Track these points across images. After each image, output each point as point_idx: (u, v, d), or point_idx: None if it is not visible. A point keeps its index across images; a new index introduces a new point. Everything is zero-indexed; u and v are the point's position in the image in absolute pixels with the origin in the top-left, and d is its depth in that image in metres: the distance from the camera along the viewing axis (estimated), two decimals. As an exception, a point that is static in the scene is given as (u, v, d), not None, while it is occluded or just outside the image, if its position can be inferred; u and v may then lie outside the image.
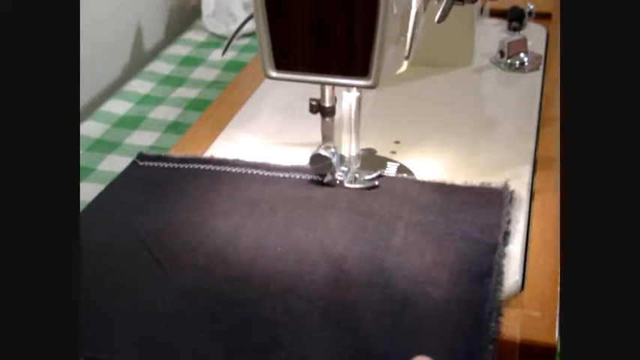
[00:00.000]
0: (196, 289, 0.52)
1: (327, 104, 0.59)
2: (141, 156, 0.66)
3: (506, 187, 0.60)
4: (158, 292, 0.51)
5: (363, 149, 0.64)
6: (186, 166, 0.64)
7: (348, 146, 0.61)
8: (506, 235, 0.56)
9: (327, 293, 0.51)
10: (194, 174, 0.64)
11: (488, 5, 0.90)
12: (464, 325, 0.48)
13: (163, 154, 0.67)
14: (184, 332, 0.49)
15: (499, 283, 0.51)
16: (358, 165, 0.62)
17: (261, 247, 0.55)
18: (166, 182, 0.63)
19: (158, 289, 0.52)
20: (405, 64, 0.58)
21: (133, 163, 0.66)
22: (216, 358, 0.47)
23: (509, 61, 0.81)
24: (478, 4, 0.77)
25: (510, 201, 0.59)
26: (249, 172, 0.63)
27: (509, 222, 0.57)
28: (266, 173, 0.63)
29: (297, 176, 0.63)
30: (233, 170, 0.64)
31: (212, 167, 0.64)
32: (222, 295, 0.51)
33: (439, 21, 0.61)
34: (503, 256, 0.53)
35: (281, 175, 0.63)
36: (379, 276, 0.52)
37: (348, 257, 0.54)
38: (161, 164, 0.65)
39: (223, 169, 0.64)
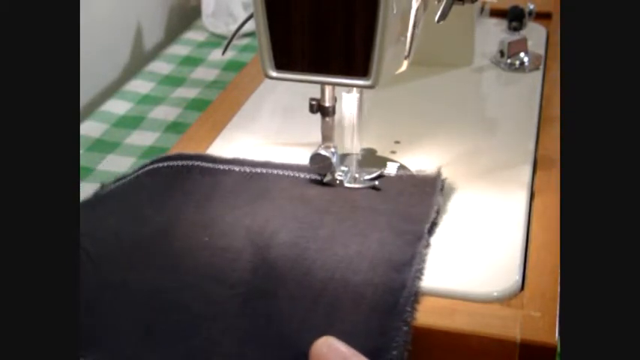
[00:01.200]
0: (122, 279, 0.52)
1: (327, 104, 0.59)
2: (103, 185, 0.66)
3: (438, 175, 0.61)
4: (85, 283, 0.52)
5: (363, 149, 0.64)
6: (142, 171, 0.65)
7: (348, 146, 0.61)
8: (434, 225, 0.56)
9: (248, 280, 0.51)
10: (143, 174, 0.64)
11: (488, 5, 0.90)
12: (379, 309, 0.49)
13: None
14: (105, 321, 0.49)
15: (419, 271, 0.52)
16: (358, 165, 0.62)
17: (190, 237, 0.56)
18: (114, 188, 0.64)
19: (85, 279, 0.52)
20: (405, 64, 0.58)
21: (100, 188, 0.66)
22: (133, 344, 0.48)
23: (509, 61, 0.81)
24: (478, 4, 0.77)
25: (442, 189, 0.60)
26: (190, 164, 0.64)
27: (437, 212, 0.58)
28: (203, 164, 0.64)
29: (237, 169, 0.63)
30: (174, 164, 0.64)
31: (157, 165, 0.65)
32: (145, 284, 0.52)
33: (439, 21, 0.61)
34: (427, 245, 0.54)
35: (221, 167, 0.64)
36: (301, 263, 0.52)
37: (272, 245, 0.54)
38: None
39: (167, 165, 0.65)
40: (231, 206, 0.59)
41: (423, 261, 0.53)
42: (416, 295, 0.50)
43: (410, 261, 0.52)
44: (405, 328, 0.48)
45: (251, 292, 0.51)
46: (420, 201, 0.58)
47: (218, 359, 0.47)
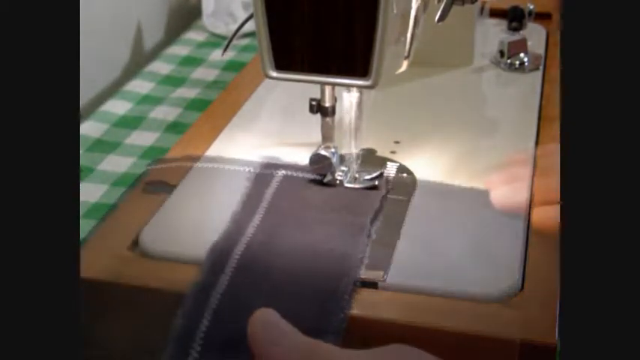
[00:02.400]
0: None
1: (327, 104, 0.59)
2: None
3: (383, 165, 0.63)
4: None
5: (363, 149, 0.64)
6: None
7: (348, 146, 0.61)
8: (377, 214, 0.58)
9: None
10: None
11: (488, 5, 0.90)
12: (319, 295, 0.50)
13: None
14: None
15: (361, 260, 0.53)
16: (358, 165, 0.62)
17: None
18: None
19: None
20: (405, 64, 0.58)
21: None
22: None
23: (509, 61, 0.81)
24: (478, 4, 0.77)
25: (380, 175, 0.61)
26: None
27: (381, 201, 0.59)
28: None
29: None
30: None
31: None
32: None
33: (439, 21, 0.61)
34: (369, 235, 0.56)
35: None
36: (244, 255, 0.54)
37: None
38: None
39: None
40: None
41: (364, 250, 0.54)
42: (355, 284, 0.51)
43: (352, 250, 0.54)
44: (342, 315, 0.49)
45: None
46: (367, 194, 0.60)
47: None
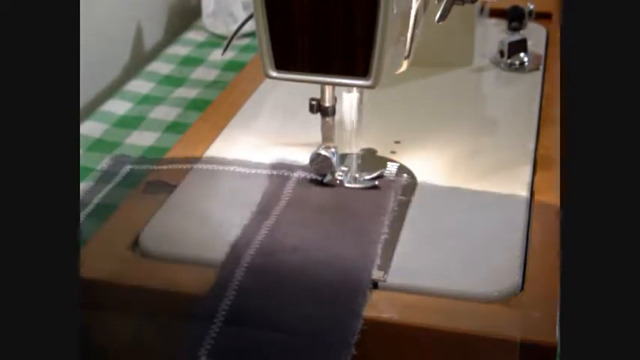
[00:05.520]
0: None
1: (327, 104, 0.59)
2: None
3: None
4: None
5: (363, 149, 0.64)
6: None
7: (348, 146, 0.61)
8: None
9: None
10: None
11: (488, 5, 0.90)
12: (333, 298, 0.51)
13: None
14: None
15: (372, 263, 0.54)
16: (358, 165, 0.62)
17: None
18: None
19: None
20: (405, 64, 0.58)
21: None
22: None
23: (509, 61, 0.81)
24: (478, 3, 0.77)
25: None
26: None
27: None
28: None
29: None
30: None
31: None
32: None
33: (439, 21, 0.61)
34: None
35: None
36: (254, 260, 0.55)
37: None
38: None
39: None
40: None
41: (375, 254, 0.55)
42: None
43: (365, 254, 0.55)
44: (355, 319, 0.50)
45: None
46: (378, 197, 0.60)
47: None
